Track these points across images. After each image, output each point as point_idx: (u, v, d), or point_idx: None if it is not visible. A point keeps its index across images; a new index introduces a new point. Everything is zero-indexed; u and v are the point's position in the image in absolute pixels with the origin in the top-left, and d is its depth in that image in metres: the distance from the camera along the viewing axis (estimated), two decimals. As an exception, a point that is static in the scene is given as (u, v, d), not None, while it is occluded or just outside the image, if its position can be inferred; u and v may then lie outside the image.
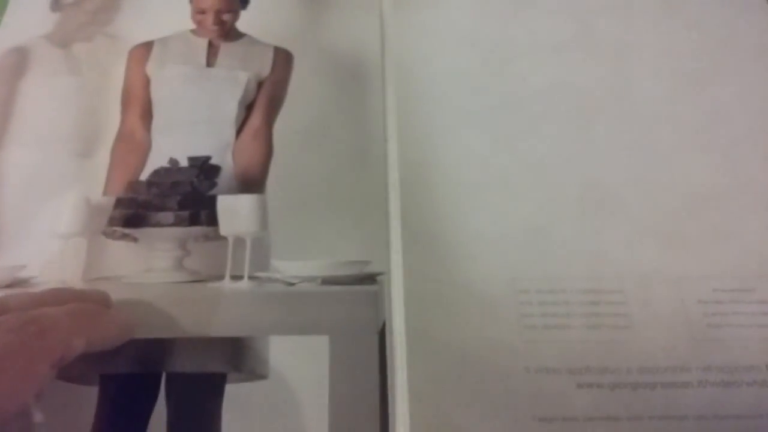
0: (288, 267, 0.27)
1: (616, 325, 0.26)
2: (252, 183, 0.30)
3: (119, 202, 0.29)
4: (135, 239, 0.29)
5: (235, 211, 0.27)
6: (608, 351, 0.26)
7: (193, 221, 0.28)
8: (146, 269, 0.28)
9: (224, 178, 0.30)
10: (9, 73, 0.33)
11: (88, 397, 0.26)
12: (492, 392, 0.25)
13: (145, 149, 0.31)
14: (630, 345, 0.26)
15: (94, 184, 0.30)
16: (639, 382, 0.25)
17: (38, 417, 0.21)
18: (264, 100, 0.32)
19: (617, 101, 0.32)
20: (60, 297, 0.23)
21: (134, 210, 0.29)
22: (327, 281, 0.27)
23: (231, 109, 0.31)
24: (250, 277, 0.27)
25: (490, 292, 0.27)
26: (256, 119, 0.31)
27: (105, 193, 0.30)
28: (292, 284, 0.27)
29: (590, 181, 0.30)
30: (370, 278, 0.27)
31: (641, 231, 0.29)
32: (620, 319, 0.26)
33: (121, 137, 0.32)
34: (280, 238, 0.29)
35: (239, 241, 0.27)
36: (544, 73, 0.33)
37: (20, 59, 0.33)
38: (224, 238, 0.28)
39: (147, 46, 0.33)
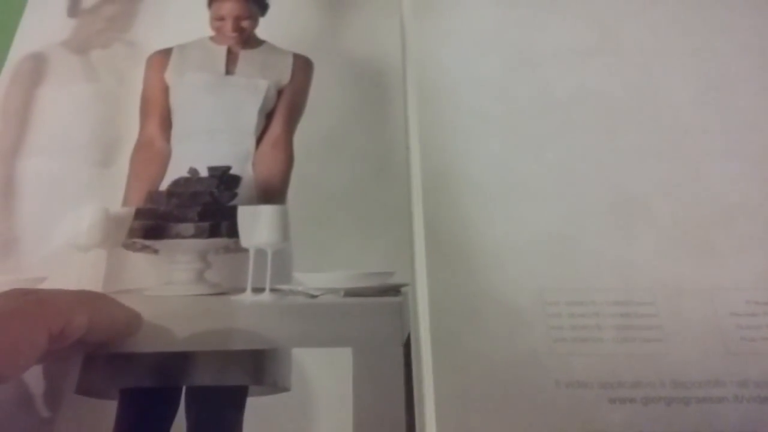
0: (310, 279, 0.27)
1: (647, 338, 0.26)
2: (273, 193, 0.29)
3: (139, 213, 0.28)
4: (155, 251, 0.28)
5: (255, 222, 0.27)
6: (640, 364, 0.25)
7: (214, 233, 0.28)
8: (167, 282, 0.28)
9: (245, 188, 0.30)
10: (26, 79, 0.33)
11: (108, 411, 0.25)
12: (521, 407, 0.24)
13: (165, 158, 0.31)
14: (662, 358, 0.25)
15: (113, 194, 0.30)
16: (673, 396, 0.24)
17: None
18: (284, 108, 0.32)
19: (643, 107, 0.31)
20: None
21: (154, 221, 0.28)
22: (350, 293, 0.26)
23: (251, 118, 0.31)
24: (272, 290, 0.26)
25: (518, 303, 0.26)
26: (276, 128, 0.31)
27: (124, 203, 0.30)
28: (314, 296, 0.26)
29: (618, 188, 0.29)
30: (394, 289, 0.27)
31: (671, 241, 0.28)
32: (652, 332, 0.26)
33: (140, 146, 0.31)
34: (302, 250, 0.28)
35: (260, 253, 0.27)
36: (568, 79, 0.32)
37: (37, 66, 0.33)
38: (245, 250, 0.27)
39: (166, 53, 0.33)
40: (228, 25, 0.33)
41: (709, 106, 0.31)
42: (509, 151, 0.30)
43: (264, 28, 0.34)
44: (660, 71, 0.33)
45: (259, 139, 0.31)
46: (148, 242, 0.28)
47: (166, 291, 0.28)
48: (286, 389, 0.26)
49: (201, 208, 0.28)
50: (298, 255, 0.28)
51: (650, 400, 0.24)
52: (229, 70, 0.33)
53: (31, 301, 0.20)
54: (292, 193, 0.30)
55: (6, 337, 0.19)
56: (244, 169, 0.30)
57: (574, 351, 0.25)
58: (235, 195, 0.29)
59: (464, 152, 0.30)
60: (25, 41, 0.34)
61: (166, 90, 0.32)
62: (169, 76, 0.32)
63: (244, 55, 0.33)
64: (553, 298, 0.26)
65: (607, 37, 0.34)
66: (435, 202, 0.29)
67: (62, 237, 0.28)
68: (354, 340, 0.25)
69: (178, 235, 0.28)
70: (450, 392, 0.24)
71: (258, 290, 0.27)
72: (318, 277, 0.27)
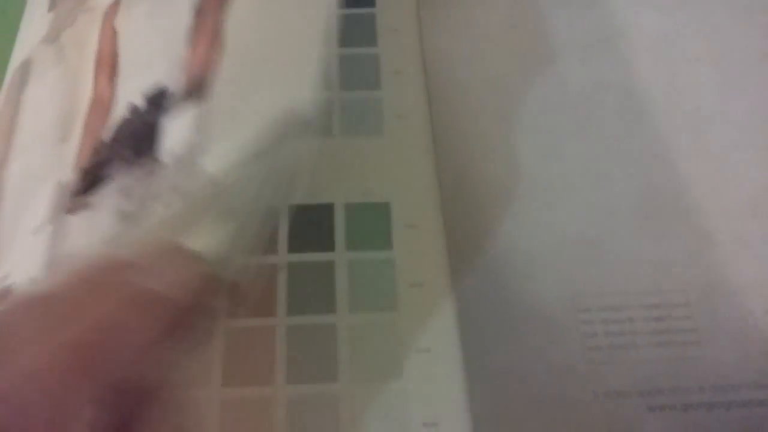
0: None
1: (683, 341, 0.25)
2: (194, 85, 0.24)
3: (83, 173, 0.25)
4: (93, 207, 0.25)
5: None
6: (678, 370, 0.24)
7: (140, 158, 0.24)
8: (110, 239, 0.23)
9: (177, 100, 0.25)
10: (15, 90, 0.31)
11: None
12: (559, 419, 0.24)
13: (112, 109, 0.27)
14: (700, 362, 0.24)
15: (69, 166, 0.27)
16: (713, 401, 0.24)
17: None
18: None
19: (665, 99, 0.30)
20: None
21: (97, 174, 0.25)
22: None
23: (185, 20, 0.26)
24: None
25: (550, 311, 0.25)
26: (204, 17, 0.26)
27: (74, 170, 0.26)
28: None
29: (644, 185, 0.28)
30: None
31: (701, 237, 0.27)
32: (688, 335, 0.25)
33: (92, 105, 0.28)
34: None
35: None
36: (585, 73, 0.31)
37: (24, 72, 0.32)
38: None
39: (117, 1, 0.30)
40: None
41: (733, 95, 0.30)
42: (529, 151, 0.29)
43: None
44: (679, 60, 0.32)
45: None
46: (87, 198, 0.24)
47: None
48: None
49: (134, 141, 0.24)
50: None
51: (690, 406, 0.24)
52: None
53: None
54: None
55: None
56: (178, 78, 0.25)
57: (610, 359, 0.25)
58: (163, 110, 0.24)
59: (482, 152, 0.29)
60: (19, 54, 0.33)
61: (114, 37, 0.29)
62: (118, 21, 0.29)
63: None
64: (585, 304, 0.25)
65: (622, 27, 0.32)
66: (455, 207, 0.28)
67: (27, 227, 0.25)
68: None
69: (113, 179, 0.23)
70: (484, 407, 0.24)
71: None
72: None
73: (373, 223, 0.28)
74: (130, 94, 0.26)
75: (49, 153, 0.27)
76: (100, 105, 0.27)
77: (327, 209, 0.28)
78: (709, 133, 0.29)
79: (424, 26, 0.33)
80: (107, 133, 0.25)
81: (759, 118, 0.30)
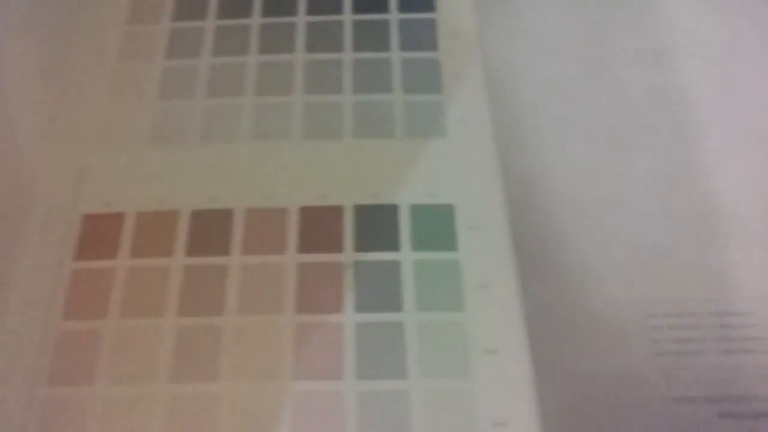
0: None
1: (749, 349, 0.25)
2: None
3: None
4: None
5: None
6: (746, 377, 0.24)
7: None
8: None
9: None
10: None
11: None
12: (627, 424, 0.24)
13: None
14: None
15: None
16: (784, 411, 0.24)
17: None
18: None
19: (726, 107, 0.31)
20: None
21: None
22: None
23: None
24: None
25: (618, 317, 0.25)
26: None
27: None
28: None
29: (708, 193, 0.28)
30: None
31: (765, 245, 0.27)
32: (754, 343, 0.25)
33: None
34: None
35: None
36: (647, 82, 0.31)
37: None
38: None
39: None
40: None
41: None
42: (592, 157, 0.29)
43: None
44: (741, 68, 0.32)
45: None
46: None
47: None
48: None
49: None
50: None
51: (761, 414, 0.24)
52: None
53: None
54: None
55: None
56: None
57: (678, 365, 0.25)
58: None
59: (547, 158, 0.29)
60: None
61: None
62: None
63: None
64: (653, 310, 0.26)
65: (684, 36, 0.33)
66: (520, 210, 0.28)
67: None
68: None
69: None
70: (553, 411, 0.24)
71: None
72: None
73: (438, 225, 0.28)
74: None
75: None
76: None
77: (391, 210, 0.29)
78: (770, 143, 0.30)
79: (483, 31, 0.33)
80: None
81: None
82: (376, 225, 0.28)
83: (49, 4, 0.34)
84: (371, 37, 0.34)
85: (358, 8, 0.35)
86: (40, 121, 0.32)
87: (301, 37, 0.34)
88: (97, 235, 0.29)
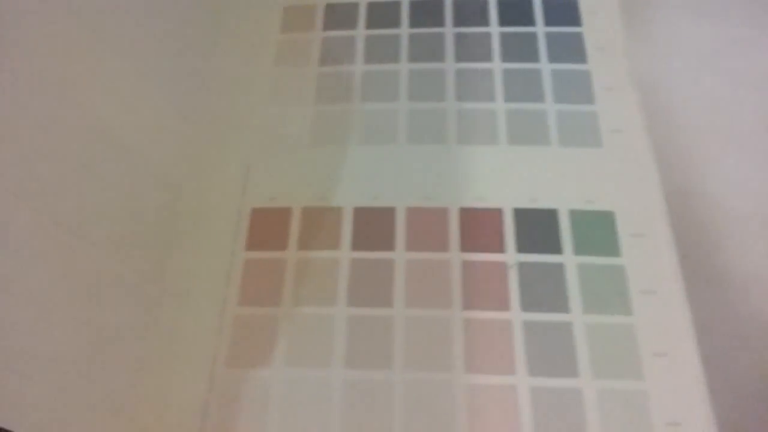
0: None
1: None
2: None
3: None
4: None
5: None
6: None
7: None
8: None
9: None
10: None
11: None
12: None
13: None
14: None
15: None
16: None
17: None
18: None
19: None
20: None
21: None
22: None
23: None
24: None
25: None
26: None
27: None
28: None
29: None
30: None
31: None
32: None
33: None
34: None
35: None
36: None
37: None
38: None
39: None
40: None
41: None
42: (750, 172, 0.30)
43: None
44: None
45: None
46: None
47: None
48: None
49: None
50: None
51: None
52: None
53: None
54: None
55: None
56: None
57: None
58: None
59: (702, 171, 0.30)
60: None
61: None
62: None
63: None
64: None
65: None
66: (681, 219, 0.28)
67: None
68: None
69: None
70: (727, 412, 0.24)
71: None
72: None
73: (599, 231, 0.29)
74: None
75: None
76: None
77: (551, 214, 0.29)
78: None
79: (631, 44, 0.34)
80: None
81: None
82: (537, 228, 0.29)
83: (209, 16, 0.37)
84: (519, 49, 0.35)
85: (504, 21, 0.36)
86: (208, 125, 0.34)
87: (449, 47, 0.35)
88: (265, 227, 0.31)
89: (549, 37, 0.35)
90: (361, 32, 0.37)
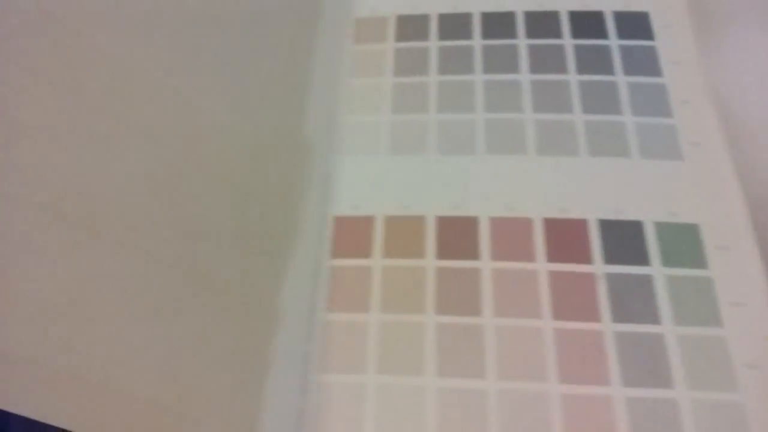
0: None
1: None
2: None
3: None
4: None
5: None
6: None
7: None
8: None
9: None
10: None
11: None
12: None
13: None
14: None
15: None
16: None
17: None
18: None
19: None
20: None
21: None
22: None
23: None
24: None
25: None
26: None
27: None
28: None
29: None
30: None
31: None
32: None
33: None
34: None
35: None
36: None
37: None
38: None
39: None
40: None
41: None
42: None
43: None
44: None
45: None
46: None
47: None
48: None
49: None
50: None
51: None
52: None
53: None
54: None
55: None
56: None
57: None
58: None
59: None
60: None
61: None
62: None
63: None
64: None
65: None
66: (763, 233, 0.29)
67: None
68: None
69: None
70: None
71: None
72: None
73: (685, 243, 0.29)
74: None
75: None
76: None
77: (636, 226, 0.30)
78: None
79: (706, 57, 0.34)
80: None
81: None
82: (623, 239, 0.29)
83: (287, 30, 0.37)
84: (594, 61, 0.35)
85: (576, 34, 0.36)
86: (288, 136, 0.34)
87: (523, 58, 0.36)
88: (350, 235, 0.31)
89: (622, 50, 0.35)
90: (433, 43, 0.37)
